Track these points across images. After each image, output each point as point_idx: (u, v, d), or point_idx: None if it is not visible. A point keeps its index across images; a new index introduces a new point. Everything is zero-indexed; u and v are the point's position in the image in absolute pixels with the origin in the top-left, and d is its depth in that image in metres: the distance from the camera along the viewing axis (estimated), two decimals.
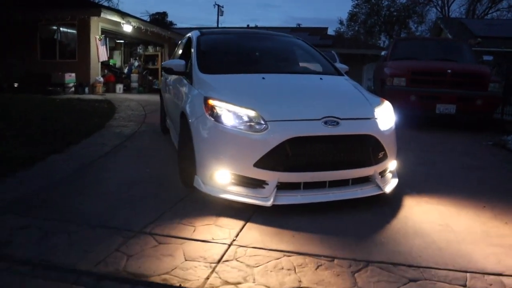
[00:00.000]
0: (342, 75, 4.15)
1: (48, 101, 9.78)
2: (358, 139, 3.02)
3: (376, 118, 3.14)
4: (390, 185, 3.25)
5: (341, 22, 39.15)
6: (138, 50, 17.71)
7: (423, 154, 5.10)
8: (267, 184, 2.83)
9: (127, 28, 13.66)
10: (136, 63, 16.72)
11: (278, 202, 2.83)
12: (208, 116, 2.98)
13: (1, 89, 11.64)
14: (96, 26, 12.97)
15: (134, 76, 15.64)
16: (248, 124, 2.88)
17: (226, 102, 3.00)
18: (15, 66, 12.57)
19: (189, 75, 3.82)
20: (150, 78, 16.48)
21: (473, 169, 4.45)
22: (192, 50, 4.14)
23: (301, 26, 30.56)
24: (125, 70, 16.45)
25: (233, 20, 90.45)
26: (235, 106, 2.95)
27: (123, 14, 13.49)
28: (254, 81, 3.52)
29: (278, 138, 2.78)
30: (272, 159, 2.79)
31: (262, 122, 2.86)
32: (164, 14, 40.10)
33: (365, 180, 3.12)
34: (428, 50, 8.32)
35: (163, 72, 5.43)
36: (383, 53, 9.36)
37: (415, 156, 4.93)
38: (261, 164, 2.79)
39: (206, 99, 3.08)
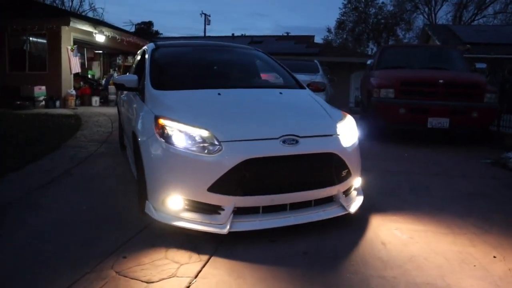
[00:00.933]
0: (304, 88, 3.86)
1: (11, 116, 9.08)
2: (320, 158, 2.81)
3: (338, 135, 2.96)
4: (355, 204, 3.05)
5: (329, 30, 38.94)
6: (118, 60, 17.06)
7: (414, 177, 4.46)
8: (223, 209, 2.61)
9: (100, 38, 12.91)
10: (116, 74, 16.02)
11: (235, 229, 2.59)
12: (158, 136, 2.73)
13: None
14: (68, 36, 12.26)
15: (112, 88, 14.88)
16: (201, 145, 2.65)
17: (178, 121, 2.76)
18: None
19: (142, 91, 3.53)
20: None
21: (474, 198, 3.79)
22: (146, 64, 3.83)
23: (290, 34, 30.17)
24: (103, 82, 15.73)
25: (221, 29, 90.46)
26: (187, 125, 2.72)
27: (95, 23, 12.80)
28: (209, 98, 3.25)
29: (233, 160, 2.56)
30: (228, 183, 2.56)
31: (216, 142, 2.63)
32: (149, 24, 39.57)
33: (329, 200, 2.92)
34: (417, 58, 7.73)
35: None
36: (369, 61, 8.73)
37: (405, 180, 4.30)
38: (215, 188, 2.57)
39: (156, 118, 2.83)
